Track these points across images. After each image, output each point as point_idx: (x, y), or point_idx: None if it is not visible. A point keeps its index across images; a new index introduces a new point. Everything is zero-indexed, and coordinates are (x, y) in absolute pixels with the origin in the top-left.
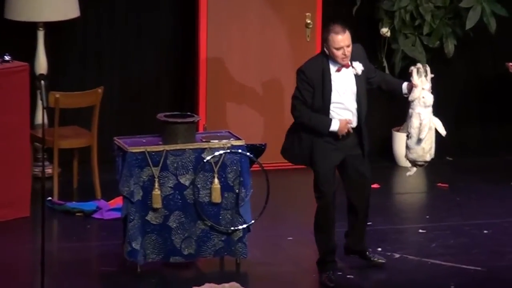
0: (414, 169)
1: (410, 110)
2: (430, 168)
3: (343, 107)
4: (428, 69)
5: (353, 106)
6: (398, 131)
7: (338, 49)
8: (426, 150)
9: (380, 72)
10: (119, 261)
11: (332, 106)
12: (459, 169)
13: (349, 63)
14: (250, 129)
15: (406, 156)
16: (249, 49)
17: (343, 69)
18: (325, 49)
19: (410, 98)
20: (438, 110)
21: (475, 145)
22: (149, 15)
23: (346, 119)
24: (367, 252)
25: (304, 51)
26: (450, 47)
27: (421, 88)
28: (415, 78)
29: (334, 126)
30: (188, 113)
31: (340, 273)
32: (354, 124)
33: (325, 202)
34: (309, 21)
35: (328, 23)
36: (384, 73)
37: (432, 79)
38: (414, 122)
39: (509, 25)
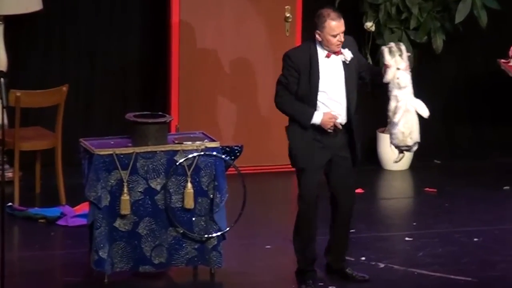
0: (401, 155)
1: (388, 93)
2: (417, 172)
3: (331, 97)
4: (403, 47)
5: (342, 97)
6: (383, 132)
7: (335, 36)
8: (406, 134)
9: (369, 64)
10: (85, 271)
11: (319, 96)
12: (448, 172)
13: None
14: (226, 130)
15: (391, 143)
16: (224, 44)
17: (332, 56)
18: (317, 36)
19: (384, 80)
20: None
21: (465, 147)
22: (117, 7)
23: (331, 112)
24: (347, 270)
25: (283, 47)
26: (438, 42)
27: (396, 68)
28: (387, 59)
29: (316, 119)
30: (160, 113)
31: (321, 283)
32: (344, 119)
33: (306, 206)
34: (288, 15)
35: (308, 17)
36: (372, 65)
37: (409, 57)
38: (391, 105)
39: (501, 18)
